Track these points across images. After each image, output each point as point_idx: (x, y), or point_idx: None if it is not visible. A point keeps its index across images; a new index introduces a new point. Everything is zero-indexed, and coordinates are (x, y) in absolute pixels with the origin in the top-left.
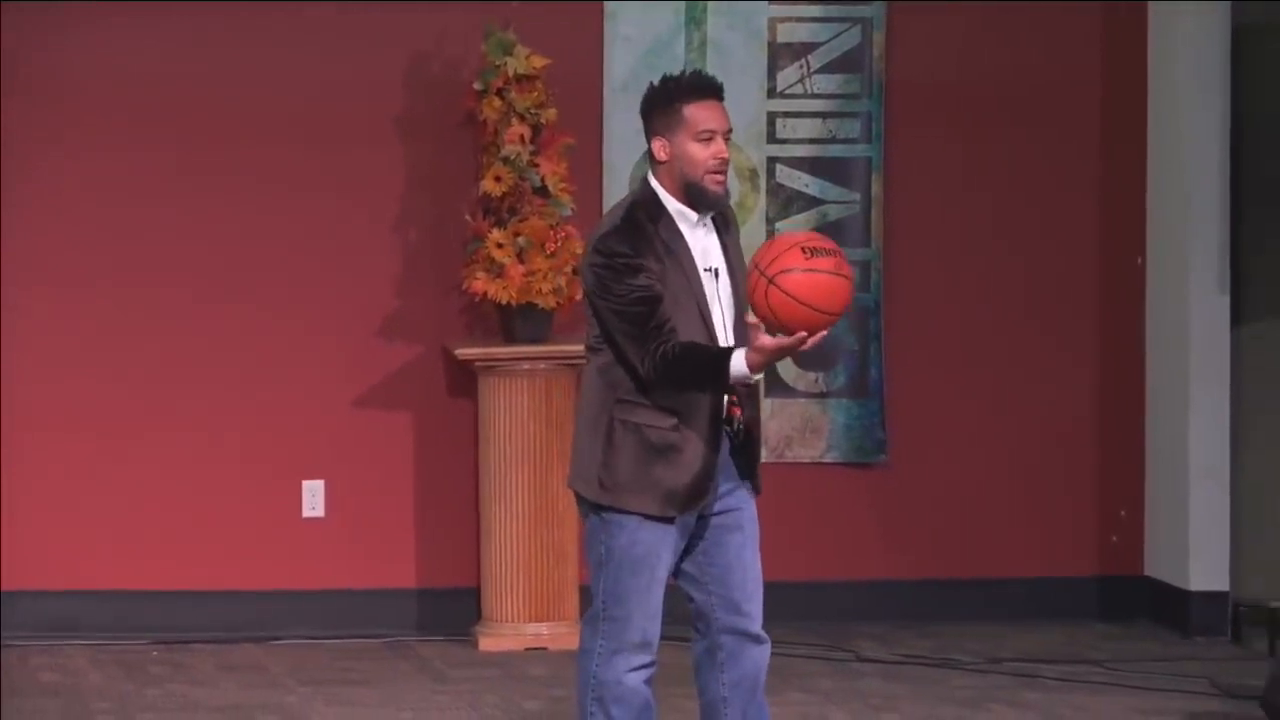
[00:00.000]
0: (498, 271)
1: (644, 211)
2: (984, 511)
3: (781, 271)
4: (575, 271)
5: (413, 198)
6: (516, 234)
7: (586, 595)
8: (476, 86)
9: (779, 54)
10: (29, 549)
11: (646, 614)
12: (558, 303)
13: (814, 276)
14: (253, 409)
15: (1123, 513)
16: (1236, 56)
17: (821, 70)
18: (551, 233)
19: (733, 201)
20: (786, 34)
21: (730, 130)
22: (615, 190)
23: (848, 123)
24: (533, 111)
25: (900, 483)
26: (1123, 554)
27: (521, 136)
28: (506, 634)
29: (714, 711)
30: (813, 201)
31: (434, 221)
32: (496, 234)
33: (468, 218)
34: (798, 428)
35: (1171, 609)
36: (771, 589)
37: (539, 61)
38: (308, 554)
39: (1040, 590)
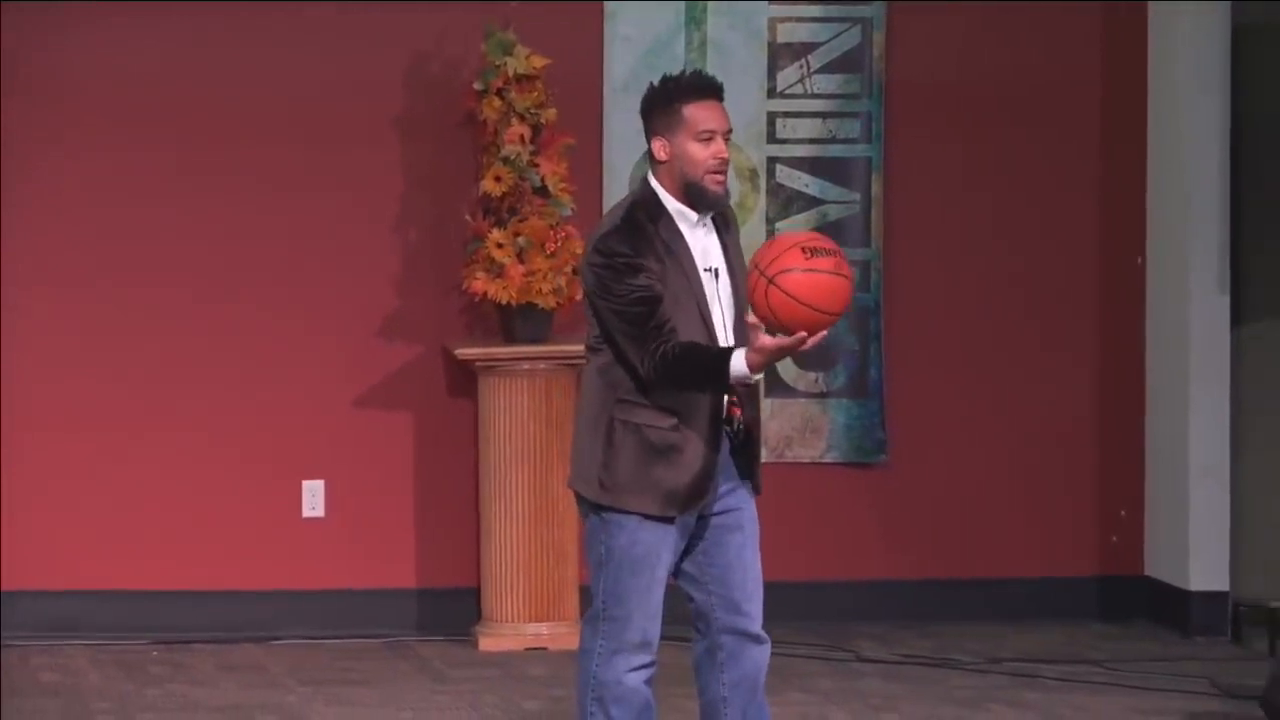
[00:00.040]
0: (498, 271)
1: (644, 211)
2: (984, 511)
3: (781, 271)
4: (575, 271)
5: (413, 198)
6: (516, 234)
7: (586, 595)
8: (476, 86)
9: (779, 54)
10: (29, 549)
11: (646, 614)
12: (558, 303)
13: (814, 276)
14: (253, 409)
15: (1123, 513)
16: (1236, 56)
17: (821, 70)
18: (551, 233)
19: (733, 201)
20: (786, 34)
21: (730, 130)
22: (615, 190)
23: (848, 123)
24: (533, 111)
25: (900, 483)
26: (1123, 554)
27: (521, 136)
28: (506, 634)
29: (714, 711)
30: (813, 201)
31: (434, 221)
32: (496, 234)
33: (468, 218)
34: (798, 428)
35: (1171, 609)
36: (771, 589)
37: (539, 61)
38: (308, 554)
39: (1040, 590)
